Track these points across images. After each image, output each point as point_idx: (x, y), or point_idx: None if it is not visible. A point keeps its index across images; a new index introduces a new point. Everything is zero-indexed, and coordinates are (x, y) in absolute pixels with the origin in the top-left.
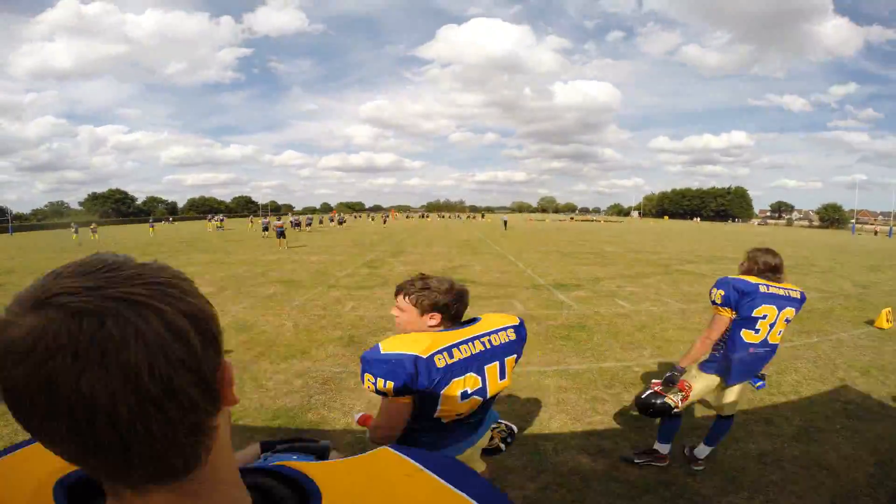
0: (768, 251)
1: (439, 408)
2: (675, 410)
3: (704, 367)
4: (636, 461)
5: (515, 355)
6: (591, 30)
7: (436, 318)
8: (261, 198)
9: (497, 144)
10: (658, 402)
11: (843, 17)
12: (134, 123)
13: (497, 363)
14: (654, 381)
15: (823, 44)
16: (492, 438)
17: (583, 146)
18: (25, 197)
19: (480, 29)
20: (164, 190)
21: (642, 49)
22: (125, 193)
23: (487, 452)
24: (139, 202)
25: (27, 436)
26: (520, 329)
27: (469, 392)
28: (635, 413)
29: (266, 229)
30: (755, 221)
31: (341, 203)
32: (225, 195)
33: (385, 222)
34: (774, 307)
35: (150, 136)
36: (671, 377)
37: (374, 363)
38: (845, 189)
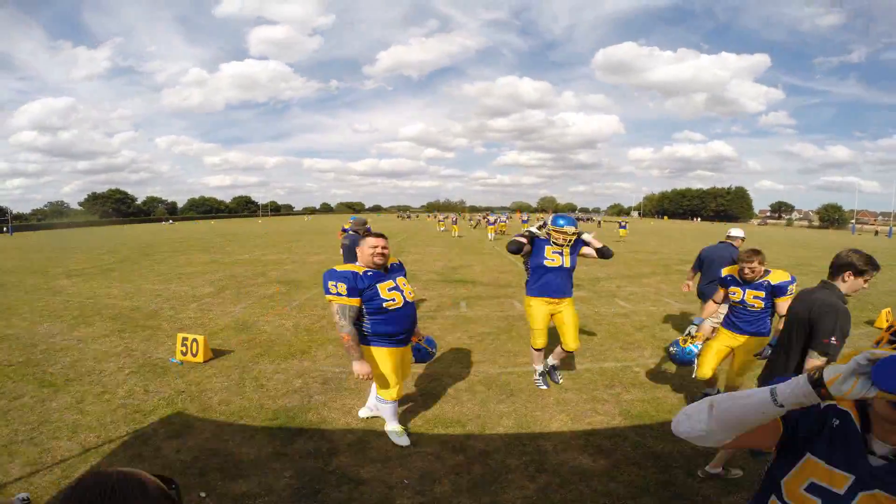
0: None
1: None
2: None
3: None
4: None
5: (403, 275)
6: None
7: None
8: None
9: (503, 154)
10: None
11: None
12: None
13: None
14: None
15: None
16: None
17: (584, 158)
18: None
19: (510, 84)
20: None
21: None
22: (125, 193)
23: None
24: (139, 202)
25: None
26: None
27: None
28: (635, 413)
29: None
30: (755, 221)
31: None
32: (260, 197)
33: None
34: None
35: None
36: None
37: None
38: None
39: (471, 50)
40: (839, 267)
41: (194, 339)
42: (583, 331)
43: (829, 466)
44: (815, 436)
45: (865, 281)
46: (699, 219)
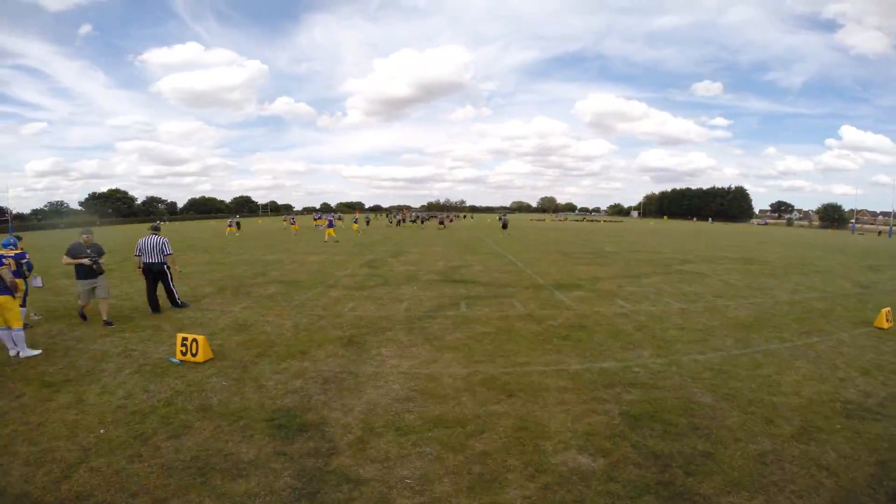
0: None
1: None
2: None
3: None
4: None
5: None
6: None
7: None
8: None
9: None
10: None
11: None
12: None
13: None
14: None
15: None
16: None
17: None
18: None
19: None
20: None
21: None
22: (125, 193)
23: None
24: (139, 202)
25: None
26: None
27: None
28: (635, 413)
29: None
30: (755, 221)
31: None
32: (260, 196)
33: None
34: None
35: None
36: None
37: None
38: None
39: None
40: None
41: (194, 339)
42: (583, 331)
43: None
44: None
45: None
46: (696, 218)
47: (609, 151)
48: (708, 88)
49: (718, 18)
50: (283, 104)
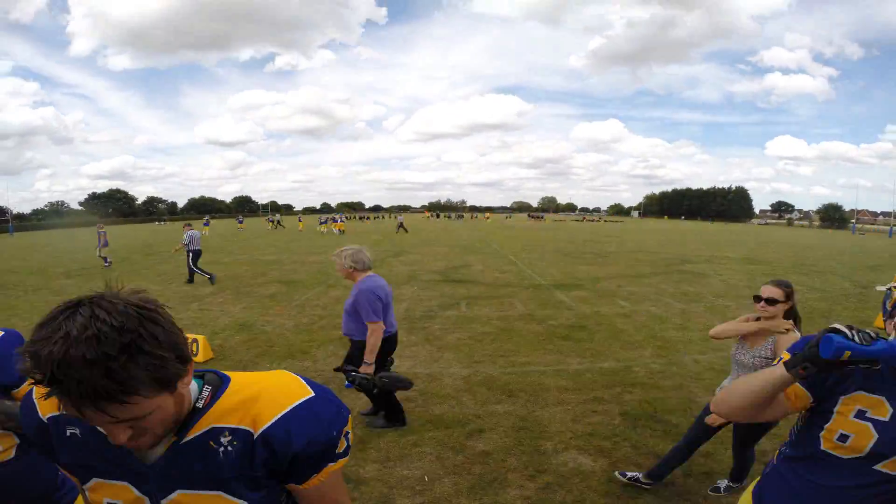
0: None
1: None
2: None
3: None
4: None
5: None
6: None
7: None
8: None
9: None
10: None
11: None
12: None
13: None
14: None
15: None
16: None
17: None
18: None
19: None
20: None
21: None
22: (125, 193)
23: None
24: (139, 202)
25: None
26: None
27: None
28: (635, 413)
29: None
30: (755, 221)
31: (341, 203)
32: (262, 197)
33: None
34: None
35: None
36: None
37: None
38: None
39: None
40: None
41: (194, 339)
42: (583, 331)
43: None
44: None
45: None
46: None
47: (600, 162)
48: None
49: None
50: None
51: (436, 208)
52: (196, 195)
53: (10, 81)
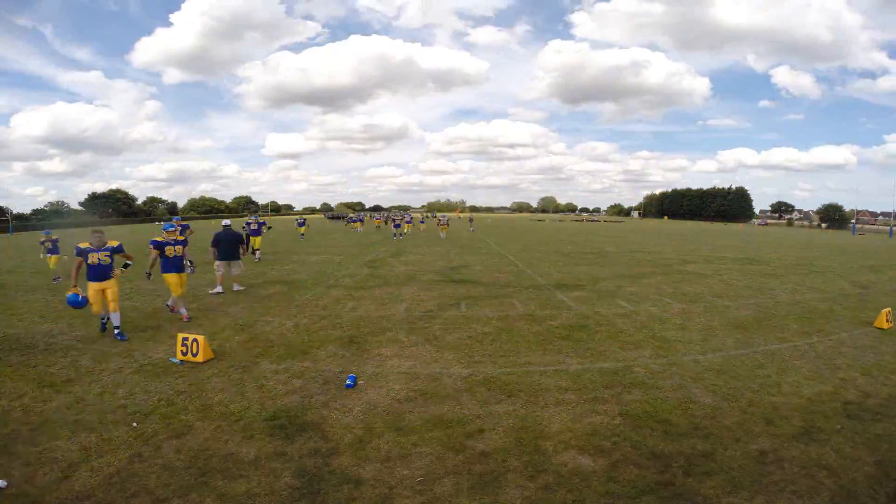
0: None
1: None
2: None
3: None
4: None
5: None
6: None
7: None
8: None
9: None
10: None
11: None
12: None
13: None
14: None
15: None
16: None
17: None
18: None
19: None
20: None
21: None
22: (125, 193)
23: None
24: (139, 202)
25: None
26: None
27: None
28: (635, 413)
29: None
30: (756, 222)
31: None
32: (259, 195)
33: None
34: None
35: None
36: None
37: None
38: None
39: None
40: None
41: (194, 339)
42: (583, 331)
43: None
44: None
45: None
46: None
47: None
48: None
49: None
50: None
51: (435, 208)
52: (196, 195)
53: None
